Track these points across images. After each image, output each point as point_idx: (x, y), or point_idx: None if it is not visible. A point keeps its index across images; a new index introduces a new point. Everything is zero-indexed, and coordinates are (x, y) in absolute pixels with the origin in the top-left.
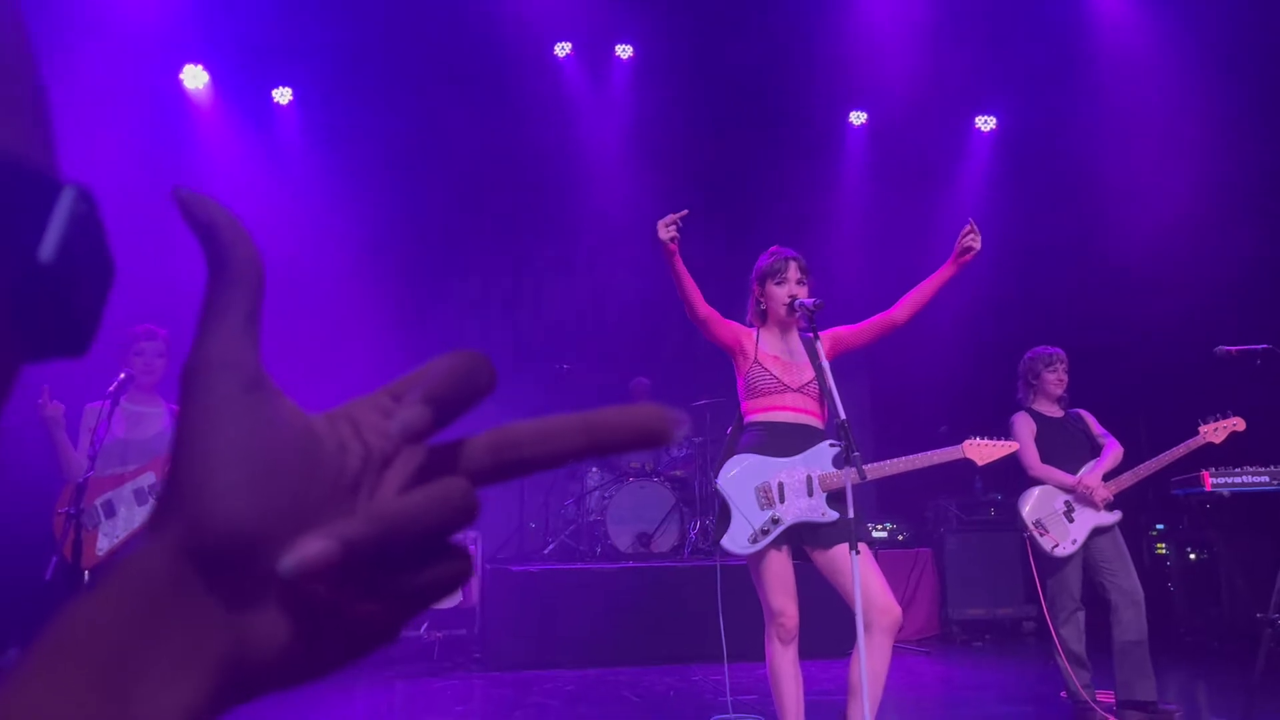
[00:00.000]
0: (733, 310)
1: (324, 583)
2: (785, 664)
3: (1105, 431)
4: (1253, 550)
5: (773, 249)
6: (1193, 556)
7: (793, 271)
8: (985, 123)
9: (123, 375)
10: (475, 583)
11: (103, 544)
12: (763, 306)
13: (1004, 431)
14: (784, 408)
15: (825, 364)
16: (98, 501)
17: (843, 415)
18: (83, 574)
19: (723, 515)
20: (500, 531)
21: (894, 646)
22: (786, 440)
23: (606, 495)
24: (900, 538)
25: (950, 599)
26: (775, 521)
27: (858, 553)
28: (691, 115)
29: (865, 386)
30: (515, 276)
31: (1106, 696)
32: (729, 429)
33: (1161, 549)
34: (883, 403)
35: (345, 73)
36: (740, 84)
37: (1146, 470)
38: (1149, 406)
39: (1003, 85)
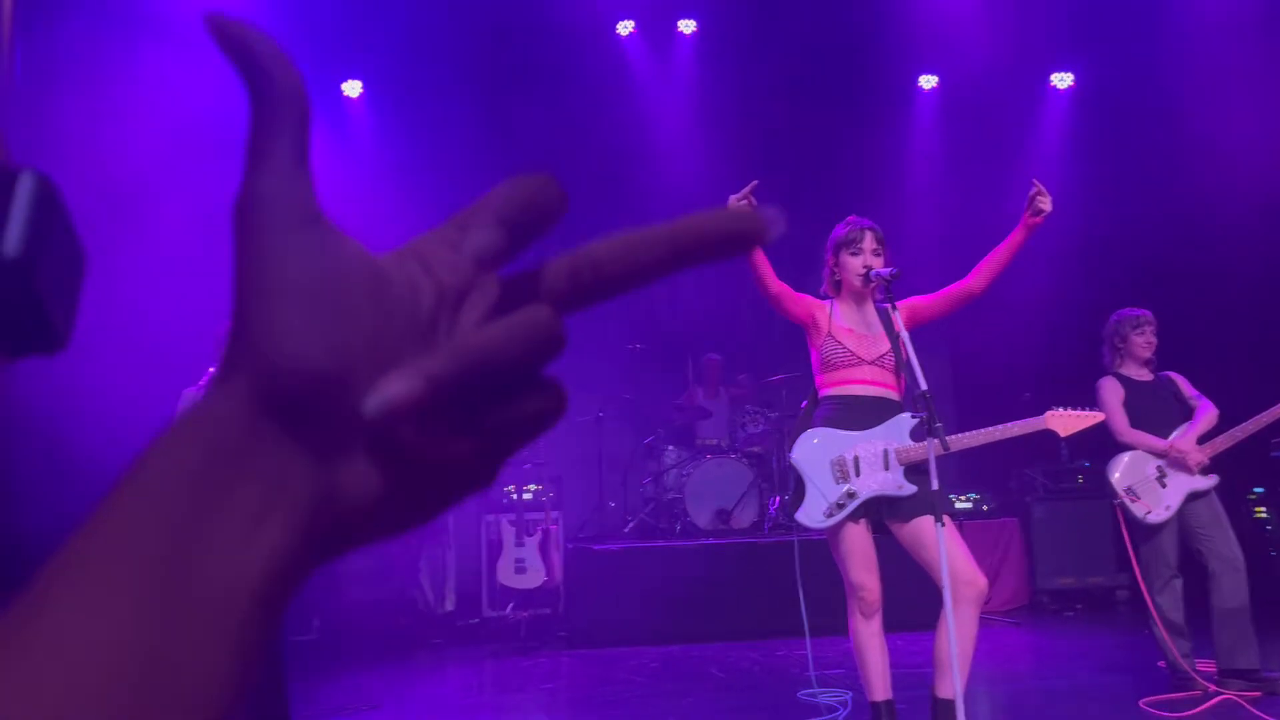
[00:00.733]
0: (806, 284)
1: (411, 423)
2: (869, 637)
3: (1198, 394)
4: None
5: (848, 219)
6: None
7: (868, 241)
8: (1062, 80)
9: (211, 370)
10: (559, 562)
11: None
12: (837, 277)
13: (1090, 396)
14: (859, 381)
15: (904, 334)
16: None
17: (924, 386)
18: None
19: (797, 490)
20: (579, 511)
21: (982, 618)
22: (862, 414)
23: (684, 473)
24: (985, 508)
25: (1039, 569)
26: (851, 495)
27: (943, 524)
28: (757, 87)
29: (945, 356)
30: None
31: (1207, 665)
32: (804, 403)
33: (1261, 513)
34: (963, 372)
35: (410, 63)
36: (805, 53)
37: (1243, 432)
38: (1245, 367)
39: (1080, 40)
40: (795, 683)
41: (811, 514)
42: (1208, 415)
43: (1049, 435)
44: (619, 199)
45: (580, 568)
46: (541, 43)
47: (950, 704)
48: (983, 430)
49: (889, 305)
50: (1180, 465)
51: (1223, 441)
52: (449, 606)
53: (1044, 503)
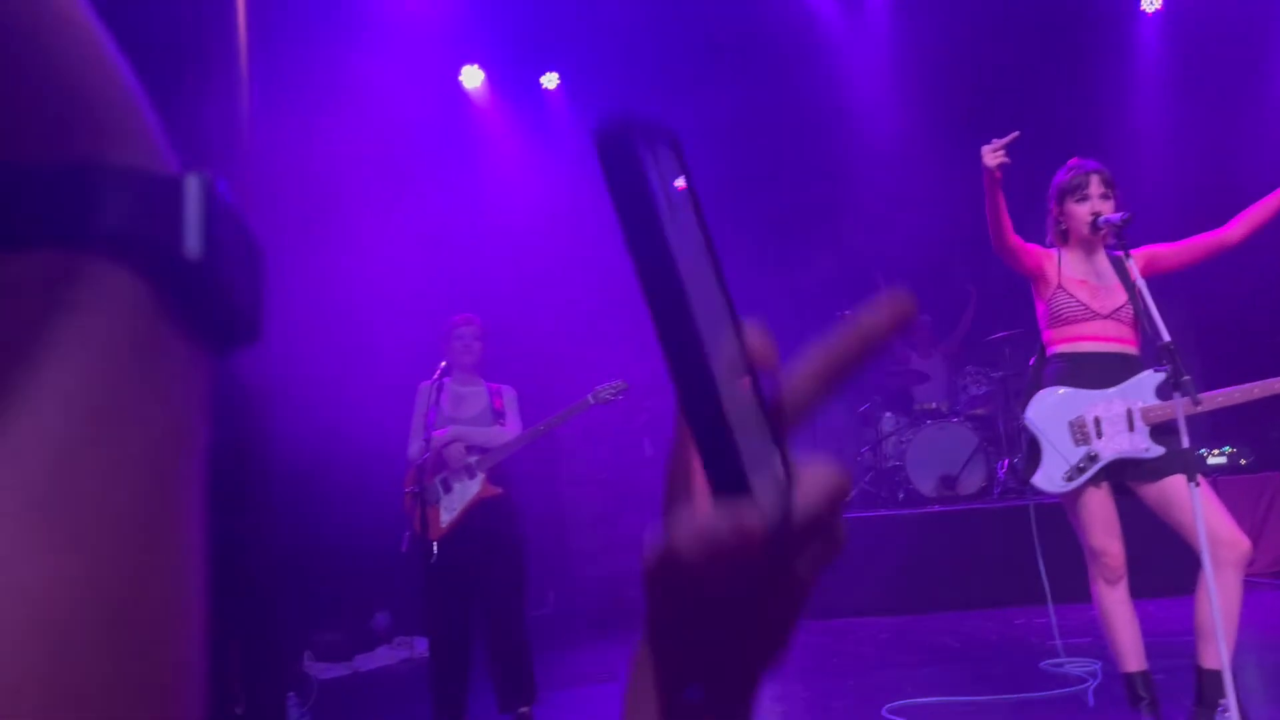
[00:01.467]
0: (1030, 234)
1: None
2: (1115, 604)
3: None
4: None
5: (1071, 162)
6: None
7: (1095, 186)
8: None
9: (443, 364)
10: None
11: (445, 517)
12: (1063, 226)
13: None
14: (1092, 337)
15: (1141, 283)
16: (436, 479)
17: (1166, 337)
18: (431, 545)
19: (1032, 453)
20: None
21: (1246, 581)
22: (1099, 371)
23: (904, 440)
24: (1242, 462)
25: None
26: (1092, 458)
27: (1197, 485)
28: (960, 31)
29: (1184, 301)
30: (787, 226)
31: None
32: (1031, 360)
33: None
34: (1208, 323)
35: (605, 52)
36: None
37: None
38: None
39: None
40: (1038, 652)
41: (1050, 477)
42: None
43: None
44: (818, 161)
45: None
46: (731, 17)
47: (1217, 674)
48: (1239, 388)
49: (1123, 253)
50: None
51: None
52: None
53: None
